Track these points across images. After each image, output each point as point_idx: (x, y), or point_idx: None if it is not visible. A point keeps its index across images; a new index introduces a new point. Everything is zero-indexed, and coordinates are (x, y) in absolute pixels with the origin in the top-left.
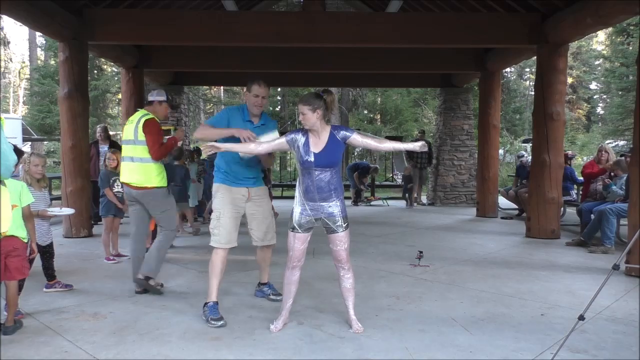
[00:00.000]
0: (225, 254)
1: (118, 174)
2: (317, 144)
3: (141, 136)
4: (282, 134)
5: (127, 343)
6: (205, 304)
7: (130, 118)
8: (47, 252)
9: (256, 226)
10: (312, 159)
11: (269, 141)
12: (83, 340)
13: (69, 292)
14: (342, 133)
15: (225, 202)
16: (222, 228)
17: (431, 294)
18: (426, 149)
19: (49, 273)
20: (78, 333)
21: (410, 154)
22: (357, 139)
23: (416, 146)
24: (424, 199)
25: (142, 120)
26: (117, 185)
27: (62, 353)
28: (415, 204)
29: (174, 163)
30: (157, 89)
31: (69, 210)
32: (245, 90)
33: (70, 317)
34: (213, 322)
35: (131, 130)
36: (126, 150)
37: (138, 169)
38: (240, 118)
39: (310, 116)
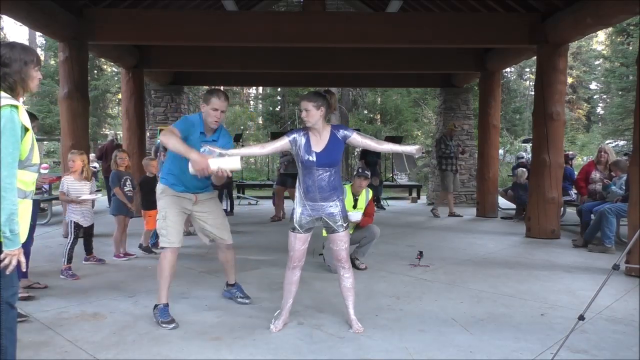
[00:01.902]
0: (175, 255)
1: (128, 174)
2: (319, 143)
3: None
4: (282, 134)
5: (127, 343)
6: (156, 306)
7: None
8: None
9: (209, 227)
10: (313, 158)
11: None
12: (83, 340)
13: (68, 292)
14: (343, 132)
15: (170, 202)
16: (170, 228)
17: (431, 294)
18: (420, 154)
19: (88, 249)
20: (78, 333)
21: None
22: (357, 139)
23: (413, 149)
24: (422, 199)
25: None
26: (128, 184)
27: (62, 353)
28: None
29: None
30: None
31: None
32: (202, 102)
33: (70, 317)
34: (164, 325)
35: None
36: None
37: None
38: (197, 130)
39: (313, 113)
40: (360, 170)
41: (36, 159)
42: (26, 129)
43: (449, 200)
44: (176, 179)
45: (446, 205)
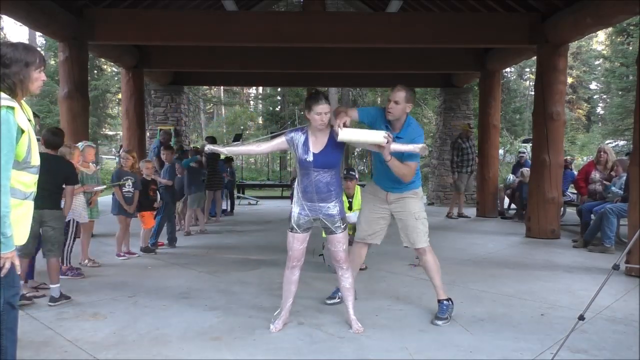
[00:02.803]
0: (359, 247)
1: (131, 174)
2: (317, 144)
3: None
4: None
5: (127, 343)
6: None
7: None
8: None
9: (399, 229)
10: (311, 158)
11: (266, 139)
12: (83, 340)
13: (68, 292)
14: None
15: (367, 199)
16: (359, 223)
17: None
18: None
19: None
20: (78, 333)
21: None
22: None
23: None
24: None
25: None
26: (128, 185)
27: (62, 353)
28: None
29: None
30: None
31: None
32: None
33: (70, 317)
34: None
35: None
36: None
37: None
38: (383, 122)
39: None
40: (345, 172)
41: (35, 160)
42: (22, 131)
43: (452, 200)
44: (373, 172)
45: (457, 204)
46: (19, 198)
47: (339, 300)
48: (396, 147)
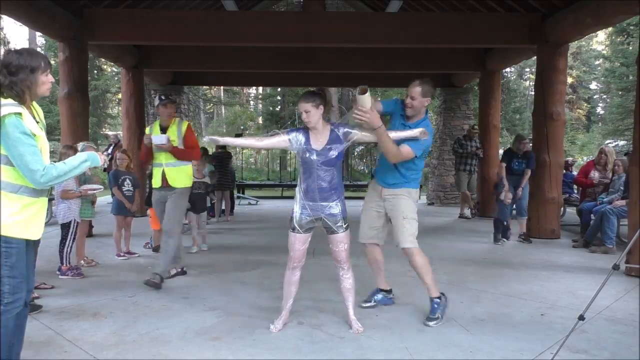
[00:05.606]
0: (366, 248)
1: (128, 174)
2: (318, 141)
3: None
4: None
5: (127, 343)
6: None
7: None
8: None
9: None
10: (314, 157)
11: (267, 136)
12: (83, 340)
13: (68, 292)
14: (343, 130)
15: (367, 197)
16: (360, 223)
17: None
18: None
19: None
20: (78, 333)
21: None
22: (360, 135)
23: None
24: (422, 199)
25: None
26: (127, 184)
27: (62, 353)
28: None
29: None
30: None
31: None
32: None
33: (70, 317)
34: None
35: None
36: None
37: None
38: (400, 114)
39: (314, 113)
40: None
41: (46, 161)
42: (34, 135)
43: (461, 200)
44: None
45: (465, 204)
46: (32, 196)
47: (374, 303)
48: (395, 134)
